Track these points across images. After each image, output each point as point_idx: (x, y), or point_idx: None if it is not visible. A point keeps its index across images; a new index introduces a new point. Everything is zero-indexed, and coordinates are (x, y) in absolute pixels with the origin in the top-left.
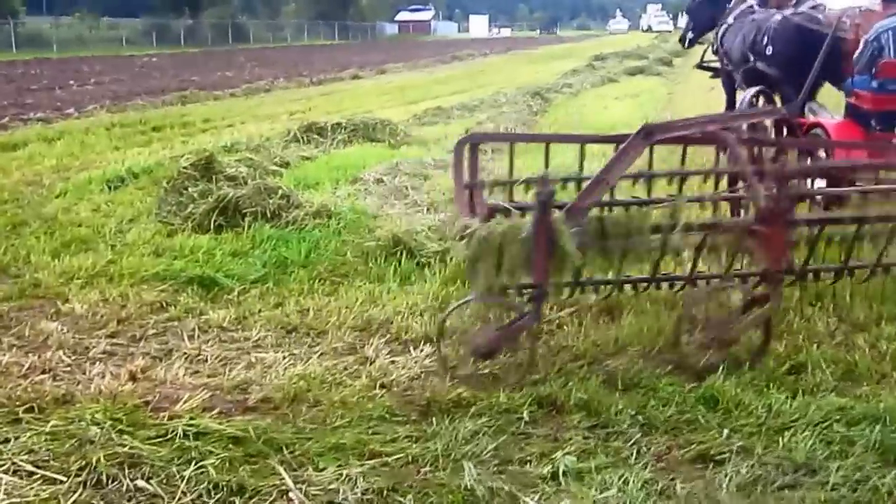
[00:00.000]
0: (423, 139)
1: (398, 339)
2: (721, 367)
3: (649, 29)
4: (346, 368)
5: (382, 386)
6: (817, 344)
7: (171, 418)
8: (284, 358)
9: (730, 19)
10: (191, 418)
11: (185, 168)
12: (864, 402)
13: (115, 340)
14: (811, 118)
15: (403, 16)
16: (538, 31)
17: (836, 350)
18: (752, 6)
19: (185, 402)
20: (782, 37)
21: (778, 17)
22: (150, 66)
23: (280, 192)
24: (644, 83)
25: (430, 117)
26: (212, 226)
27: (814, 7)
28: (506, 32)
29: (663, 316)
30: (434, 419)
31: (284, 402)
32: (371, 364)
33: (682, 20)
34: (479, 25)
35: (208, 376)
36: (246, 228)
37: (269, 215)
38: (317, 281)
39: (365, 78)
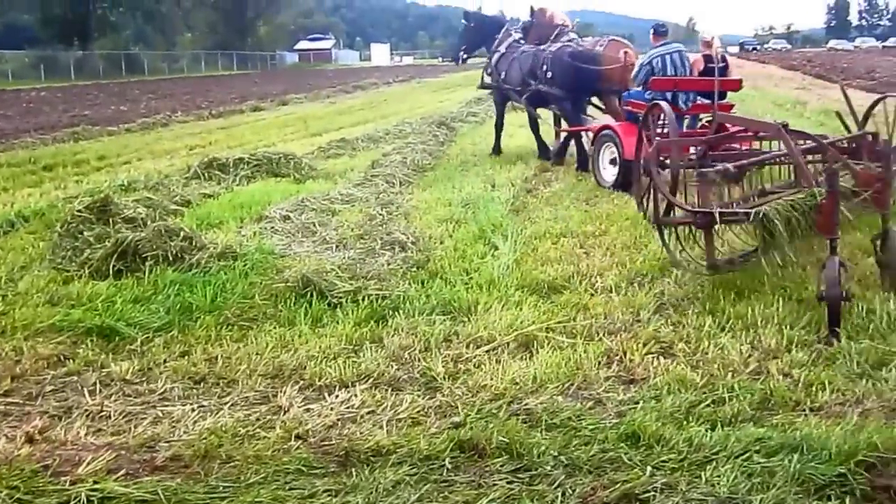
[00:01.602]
0: (328, 172)
1: (312, 386)
2: (640, 402)
3: None
4: (258, 419)
5: (298, 437)
6: (732, 373)
7: (73, 483)
8: (193, 411)
9: (502, 48)
10: (95, 482)
11: (79, 210)
12: (781, 432)
13: (9, 399)
14: (594, 124)
15: (304, 45)
16: (440, 59)
17: (752, 378)
18: (517, 39)
19: (88, 464)
20: (558, 64)
21: (553, 48)
22: (39, 101)
23: (182, 233)
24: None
25: (334, 149)
26: (110, 271)
27: (570, 40)
28: (408, 60)
29: (580, 349)
30: (353, 470)
31: (195, 460)
32: (285, 413)
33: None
34: (380, 53)
35: (112, 434)
36: (147, 273)
37: (171, 258)
38: (224, 327)
39: (266, 109)
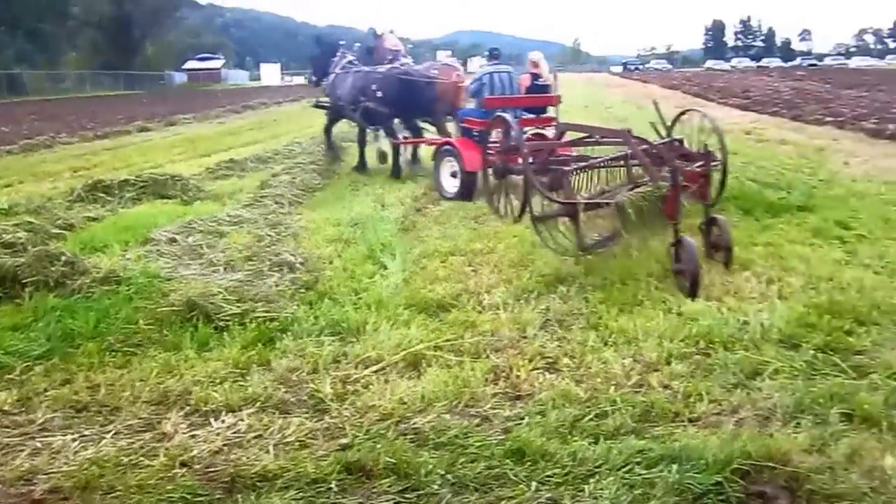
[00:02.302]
0: (217, 194)
1: (198, 411)
2: (525, 418)
3: None
4: (142, 447)
5: (183, 464)
6: (615, 386)
7: None
8: (74, 441)
9: (337, 70)
10: None
11: None
12: (661, 443)
13: None
14: (435, 137)
15: (193, 64)
16: (309, 81)
17: (633, 391)
18: (351, 61)
19: None
20: (387, 84)
21: (382, 69)
22: None
23: (64, 258)
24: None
25: (223, 170)
26: None
27: (403, 64)
28: (299, 80)
29: (467, 367)
30: (240, 496)
31: (75, 491)
32: (169, 440)
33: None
34: (270, 73)
35: None
36: (27, 300)
37: (52, 284)
38: (107, 353)
39: (154, 130)
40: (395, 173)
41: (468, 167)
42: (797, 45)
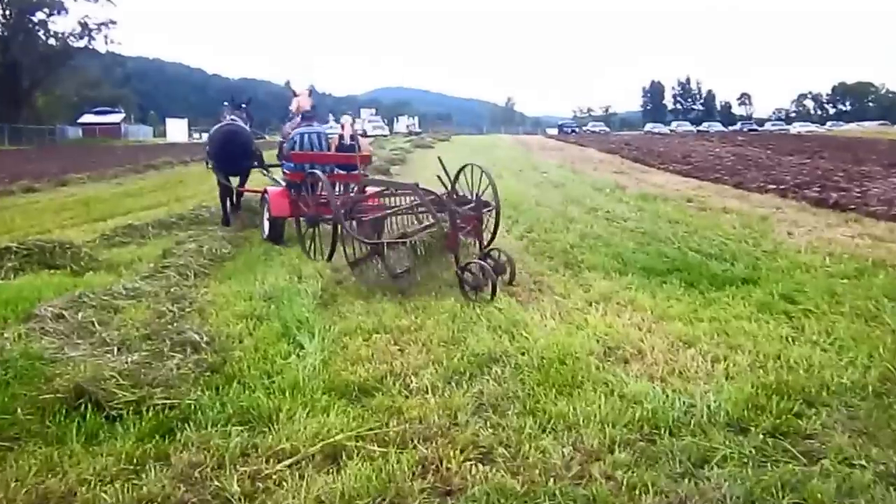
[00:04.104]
0: (112, 263)
1: None
2: None
3: (364, 134)
4: None
5: None
6: (554, 478)
7: None
8: None
9: (214, 127)
10: None
11: None
12: None
13: None
14: (257, 187)
15: (89, 118)
16: None
17: (574, 483)
18: (234, 119)
19: None
20: (214, 139)
21: (216, 126)
22: None
23: None
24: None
25: (120, 237)
26: None
27: (234, 119)
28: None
29: (393, 459)
30: None
31: None
32: None
33: (399, 123)
34: (177, 129)
35: None
36: None
37: None
38: None
39: (42, 191)
40: (224, 223)
41: (274, 213)
42: (737, 109)
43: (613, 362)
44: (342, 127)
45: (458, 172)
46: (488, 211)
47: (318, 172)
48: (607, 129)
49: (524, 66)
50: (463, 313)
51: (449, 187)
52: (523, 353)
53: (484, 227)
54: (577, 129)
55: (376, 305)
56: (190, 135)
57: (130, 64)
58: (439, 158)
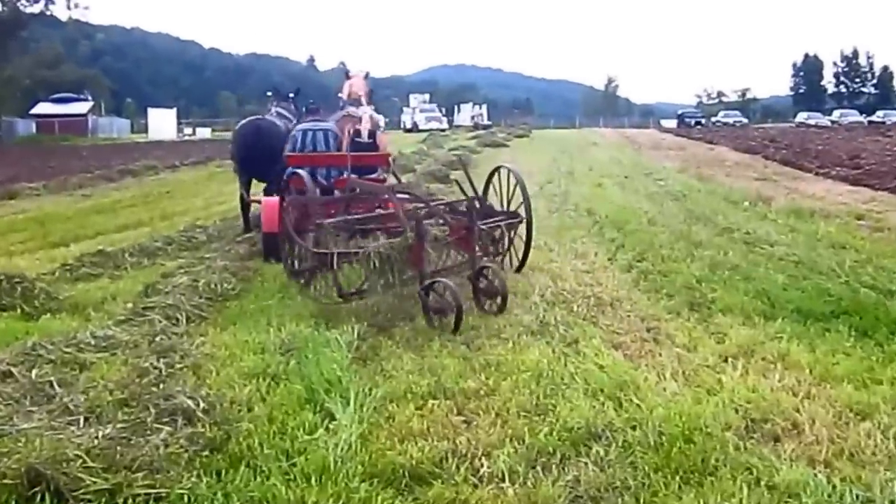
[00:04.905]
0: (77, 304)
1: None
2: None
3: (414, 128)
4: None
5: None
6: None
7: None
8: None
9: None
10: None
11: None
12: None
13: None
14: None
15: (45, 108)
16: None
17: None
18: (280, 112)
19: None
20: (237, 136)
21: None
22: None
23: None
24: None
25: (88, 268)
26: None
27: (280, 113)
28: (204, 133)
29: None
30: None
31: None
32: None
33: (462, 114)
34: (162, 122)
35: None
36: None
37: None
38: None
39: None
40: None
41: (265, 228)
42: None
43: (759, 440)
44: (359, 120)
45: (490, 176)
46: (506, 223)
47: (303, 173)
48: (745, 120)
49: (630, 39)
50: (551, 371)
51: (469, 193)
52: (634, 427)
53: (510, 241)
54: (702, 121)
55: (432, 360)
56: (180, 130)
57: (101, 36)
58: (463, 165)
